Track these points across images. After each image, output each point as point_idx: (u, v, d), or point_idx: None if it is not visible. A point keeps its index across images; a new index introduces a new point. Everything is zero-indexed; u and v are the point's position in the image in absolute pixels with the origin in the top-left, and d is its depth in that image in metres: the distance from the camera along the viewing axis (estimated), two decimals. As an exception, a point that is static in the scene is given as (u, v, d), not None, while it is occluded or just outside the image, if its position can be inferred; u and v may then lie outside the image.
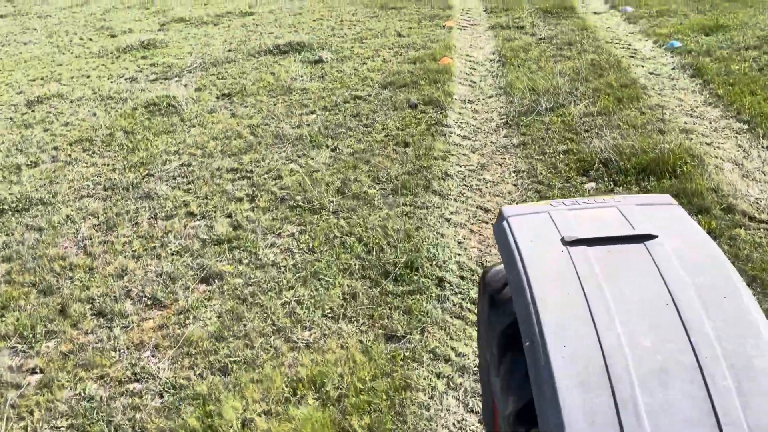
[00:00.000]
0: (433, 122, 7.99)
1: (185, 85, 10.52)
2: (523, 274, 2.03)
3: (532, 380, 1.80)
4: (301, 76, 10.28)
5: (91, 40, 14.34)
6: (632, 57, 9.68)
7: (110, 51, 12.97)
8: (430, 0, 14.70)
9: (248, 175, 7.04)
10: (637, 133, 6.98)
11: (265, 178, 6.92)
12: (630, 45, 10.28)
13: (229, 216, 6.24)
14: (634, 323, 1.83)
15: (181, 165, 7.43)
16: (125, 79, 11.12)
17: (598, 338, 1.78)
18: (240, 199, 6.51)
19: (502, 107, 8.33)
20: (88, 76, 11.43)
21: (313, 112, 8.80)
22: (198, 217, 6.29)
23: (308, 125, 8.30)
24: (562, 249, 2.09)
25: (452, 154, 7.12)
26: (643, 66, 9.21)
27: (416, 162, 6.96)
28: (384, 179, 6.67)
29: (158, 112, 9.20)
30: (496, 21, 12.48)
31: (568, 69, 9.20)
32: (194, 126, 8.65)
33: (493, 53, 10.66)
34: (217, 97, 9.75)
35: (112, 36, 14.49)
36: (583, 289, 1.93)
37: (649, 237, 2.10)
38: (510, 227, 2.24)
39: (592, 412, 1.62)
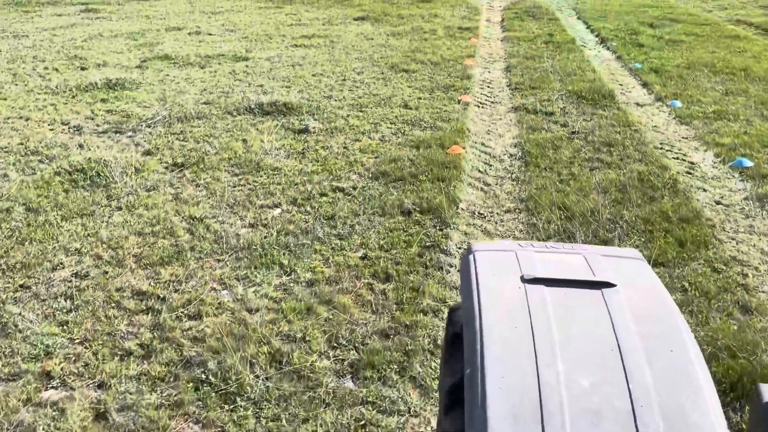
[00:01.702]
0: (428, 244, 5.99)
1: (136, 145, 8.60)
2: (476, 304, 2.04)
3: (467, 408, 1.78)
4: (278, 150, 8.35)
5: (56, 70, 12.54)
6: (690, 173, 7.71)
7: (69, 88, 11.12)
8: (447, 66, 12.90)
9: (157, 306, 5.01)
10: (712, 308, 4.93)
11: (177, 316, 4.89)
12: (685, 156, 8.32)
13: (100, 386, 4.16)
14: (575, 364, 1.83)
15: (74, 275, 5.41)
16: (69, 128, 9.22)
17: (538, 374, 1.78)
18: (127, 354, 4.45)
19: (521, 230, 6.33)
20: (27, 119, 9.54)
21: (277, 205, 6.83)
22: (54, 383, 4.21)
23: (265, 226, 6.32)
24: (519, 285, 2.10)
25: (448, 306, 5.08)
26: (705, 189, 7.22)
27: (396, 315, 4.92)
28: (345, 342, 4.62)
29: (83, 182, 7.25)
30: (521, 102, 10.60)
31: (610, 183, 7.23)
32: (120, 209, 6.67)
33: (515, 146, 8.73)
34: (167, 167, 7.80)
35: (82, 69, 12.69)
36: (532, 325, 1.93)
37: (607, 285, 2.14)
38: (474, 260, 2.25)
39: None
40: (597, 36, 16.63)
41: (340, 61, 13.37)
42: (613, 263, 2.29)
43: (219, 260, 5.71)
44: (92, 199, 6.85)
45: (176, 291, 5.23)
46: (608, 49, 15.14)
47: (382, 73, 12.37)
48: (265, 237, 6.11)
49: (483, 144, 8.71)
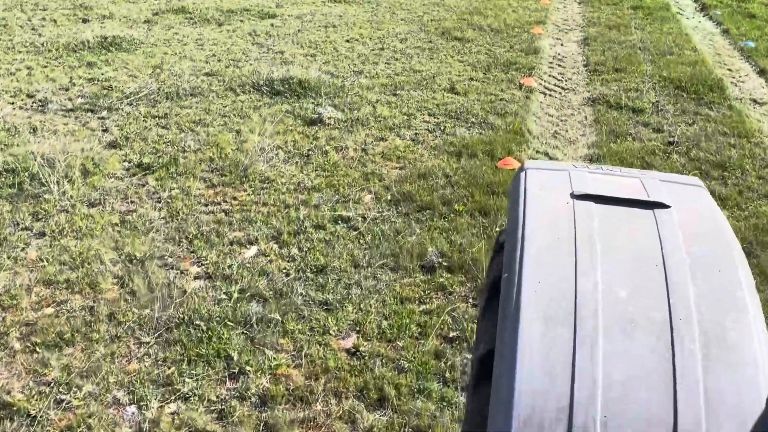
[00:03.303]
0: (454, 335, 4.04)
1: (104, 131, 6.84)
2: (521, 214, 2.01)
3: (500, 311, 1.78)
4: (277, 150, 6.45)
5: (54, 21, 10.84)
6: (843, 223, 5.44)
7: (57, 46, 9.39)
8: (510, 35, 10.59)
9: (15, 440, 3.29)
10: None
11: (38, 466, 3.16)
12: (833, 191, 6.01)
13: None
14: (615, 275, 1.80)
15: None
16: (33, 103, 7.51)
17: (575, 281, 1.76)
18: None
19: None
20: (-13, 88, 7.90)
21: (253, 242, 4.97)
22: None
23: (227, 279, 4.48)
24: (568, 201, 2.07)
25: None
26: None
27: (380, 491, 3.07)
28: None
29: (9, 188, 5.53)
30: (600, 90, 8.31)
31: (726, 234, 5.07)
32: (43, 236, 4.95)
33: (590, 159, 6.56)
34: (128, 170, 6.01)
35: (84, 21, 10.94)
36: (575, 237, 1.90)
37: (661, 205, 2.06)
38: (525, 177, 2.18)
39: (549, 343, 1.59)
40: (696, 1, 13.82)
41: (382, 24, 11.21)
42: (670, 188, 2.19)
43: (141, 342, 3.92)
44: (11, 218, 5.15)
45: (58, 403, 3.48)
46: (711, 19, 12.41)
47: (430, 42, 10.17)
48: (220, 301, 4.28)
49: (547, 155, 6.57)
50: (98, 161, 6.05)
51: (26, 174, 5.63)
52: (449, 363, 3.79)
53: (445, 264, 4.69)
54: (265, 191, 5.68)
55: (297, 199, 5.56)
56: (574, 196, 2.06)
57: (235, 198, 5.59)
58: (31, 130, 6.74)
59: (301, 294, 4.38)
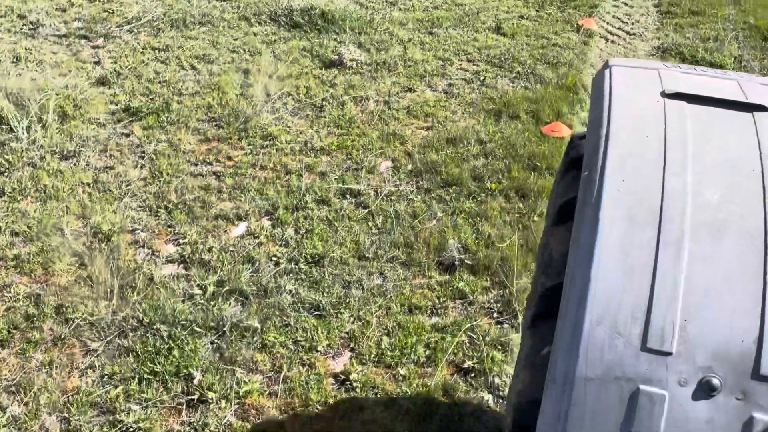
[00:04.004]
0: (471, 365, 3.24)
1: (96, 63, 6.02)
2: (606, 110, 1.85)
3: (578, 210, 1.67)
4: (286, 98, 5.56)
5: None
6: None
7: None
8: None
9: None
10: None
11: None
12: None
13: None
14: (707, 178, 1.66)
15: None
16: (23, 26, 6.68)
17: (663, 181, 1.63)
18: None
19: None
20: (-23, 5, 7.08)
21: (243, 217, 4.19)
22: None
23: (205, 265, 3.73)
24: (658, 99, 1.90)
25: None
26: None
27: None
28: None
29: (-30, 135, 4.84)
30: (673, 38, 7.08)
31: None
32: (0, 196, 4.27)
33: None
34: (112, 114, 5.22)
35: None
36: (665, 137, 1.76)
37: (761, 108, 1.88)
38: (610, 74, 2.00)
39: (630, 244, 1.50)
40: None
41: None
42: None
43: (88, 350, 3.24)
44: (-34, 172, 4.46)
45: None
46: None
47: (478, -31, 8.92)
48: (191, 297, 3.56)
49: (603, 120, 5.55)
50: (81, 102, 5.27)
51: (-6, 116, 4.91)
52: (458, 407, 3.02)
53: (467, 262, 3.85)
54: (266, 151, 4.85)
55: (301, 163, 4.72)
56: (665, 94, 1.93)
57: (229, 158, 4.78)
58: (14, 60, 5.96)
59: (290, 292, 3.62)
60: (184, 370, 3.13)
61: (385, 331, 3.42)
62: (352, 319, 3.48)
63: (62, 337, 3.29)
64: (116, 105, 5.35)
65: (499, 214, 4.25)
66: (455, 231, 4.09)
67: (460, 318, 3.49)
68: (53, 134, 4.84)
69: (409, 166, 4.73)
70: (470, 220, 4.21)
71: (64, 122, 5.02)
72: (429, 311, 3.56)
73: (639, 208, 1.57)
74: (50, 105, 5.02)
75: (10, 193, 4.28)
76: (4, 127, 4.85)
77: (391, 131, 5.15)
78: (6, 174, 4.46)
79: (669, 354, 1.38)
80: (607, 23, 7.55)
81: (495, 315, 3.54)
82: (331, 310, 3.51)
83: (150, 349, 3.21)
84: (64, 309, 3.44)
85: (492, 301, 3.63)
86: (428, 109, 5.48)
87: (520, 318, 3.47)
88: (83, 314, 3.41)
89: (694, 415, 1.35)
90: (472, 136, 5.08)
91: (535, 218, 4.22)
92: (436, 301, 3.62)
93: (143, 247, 3.92)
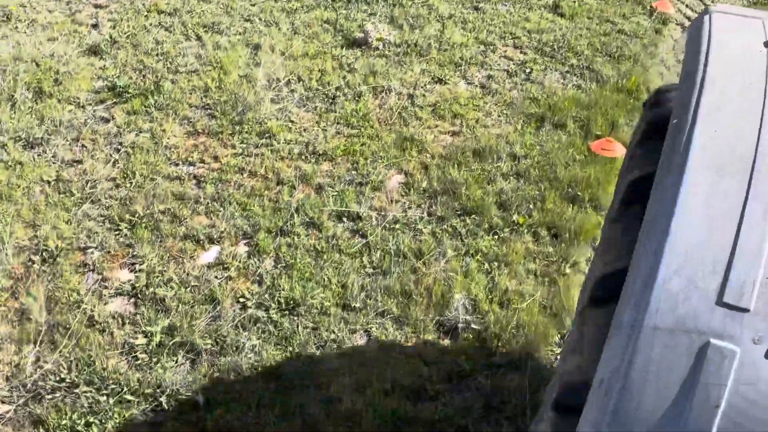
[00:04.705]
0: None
1: (92, 28, 5.35)
2: (702, 59, 1.71)
3: (662, 164, 1.58)
4: (295, 83, 4.81)
5: None
6: None
7: None
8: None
9: None
10: None
11: None
12: None
13: None
14: None
15: None
16: (23, -24, 6.10)
17: (759, 134, 1.53)
18: None
19: None
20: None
21: (213, 240, 3.53)
22: None
23: (158, 302, 3.09)
24: (761, 50, 1.77)
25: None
26: None
27: None
28: None
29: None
30: (765, 29, 5.99)
31: None
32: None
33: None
34: (95, 93, 4.58)
35: None
36: (765, 88, 1.62)
37: None
38: (710, 20, 1.87)
39: (715, 194, 1.43)
40: None
41: None
42: None
43: (-6, 415, 2.70)
44: None
45: None
46: None
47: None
48: (131, 349, 2.95)
49: (668, 137, 4.63)
50: (62, 76, 4.65)
51: (-42, 90, 4.34)
52: None
53: (474, 327, 3.13)
54: (259, 152, 4.15)
55: (297, 171, 4.01)
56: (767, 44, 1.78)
57: (216, 158, 4.11)
58: (4, 18, 5.37)
59: (252, 349, 2.98)
60: (99, 457, 2.56)
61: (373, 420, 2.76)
62: (317, 397, 2.83)
63: (-31, 392, 2.76)
64: (103, 81, 4.71)
65: (522, 260, 3.48)
66: (465, 279, 3.35)
67: (451, 413, 2.78)
68: (22, 116, 4.25)
69: (424, 184, 3.97)
70: (486, 265, 3.45)
71: (39, 101, 4.42)
72: (422, 397, 2.87)
73: (730, 159, 1.50)
74: (25, 79, 4.43)
75: (-44, 189, 3.74)
76: (-31, 104, 4.29)
77: (410, 135, 4.36)
78: (-43, 165, 3.92)
79: (746, 310, 1.34)
80: (687, 6, 6.44)
81: (498, 409, 2.82)
82: (296, 387, 2.86)
83: (64, 422, 2.64)
84: (-19, 353, 2.90)
85: (498, 387, 2.91)
86: (458, 108, 4.66)
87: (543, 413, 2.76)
88: (2, 362, 2.86)
89: (766, 374, 1.31)
90: (504, 148, 4.25)
91: (567, 270, 3.44)
92: (432, 377, 2.92)
93: (93, 271, 3.33)
